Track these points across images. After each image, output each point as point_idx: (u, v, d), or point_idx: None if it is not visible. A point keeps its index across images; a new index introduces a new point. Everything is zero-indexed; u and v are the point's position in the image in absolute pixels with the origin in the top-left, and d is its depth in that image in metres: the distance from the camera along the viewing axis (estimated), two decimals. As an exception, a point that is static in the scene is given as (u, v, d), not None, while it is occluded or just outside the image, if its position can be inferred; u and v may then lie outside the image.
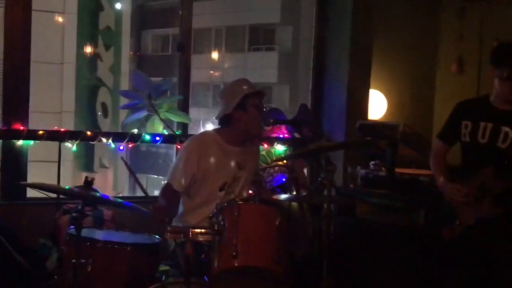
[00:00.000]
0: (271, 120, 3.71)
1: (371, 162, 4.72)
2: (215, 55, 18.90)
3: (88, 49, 12.06)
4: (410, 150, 4.86)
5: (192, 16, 4.88)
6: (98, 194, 3.04)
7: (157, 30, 19.62)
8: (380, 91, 5.41)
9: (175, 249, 3.40)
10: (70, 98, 11.90)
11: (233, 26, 19.50)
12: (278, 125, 4.73)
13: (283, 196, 3.48)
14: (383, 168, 4.64)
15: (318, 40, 5.36)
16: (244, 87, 3.47)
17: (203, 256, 3.04)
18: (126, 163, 3.45)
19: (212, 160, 3.45)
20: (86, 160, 12.46)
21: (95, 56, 12.21)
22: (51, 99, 11.35)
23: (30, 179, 4.19)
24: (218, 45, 19.43)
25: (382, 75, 5.38)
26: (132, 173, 3.37)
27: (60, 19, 11.61)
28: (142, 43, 19.76)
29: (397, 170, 4.66)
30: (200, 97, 18.37)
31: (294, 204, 3.46)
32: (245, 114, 3.43)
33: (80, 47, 11.94)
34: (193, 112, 4.84)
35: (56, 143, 4.16)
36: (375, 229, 4.40)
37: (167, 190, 3.48)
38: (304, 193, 3.46)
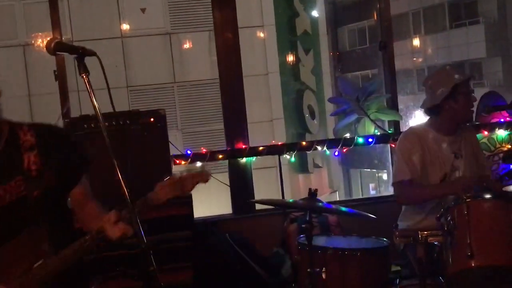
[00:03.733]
0: (488, 108, 3.50)
1: None
2: (415, 39, 18.36)
3: (289, 56, 12.51)
4: None
5: (389, 8, 4.74)
6: (322, 204, 3.12)
7: (352, 24, 19.67)
8: None
9: (404, 250, 3.37)
10: (278, 106, 12.43)
11: (431, 6, 18.77)
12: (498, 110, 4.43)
13: (515, 185, 3.26)
14: None
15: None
16: (454, 76, 3.32)
17: (435, 255, 2.97)
18: None
19: (427, 153, 3.37)
20: (301, 162, 12.91)
21: (296, 62, 12.62)
22: (262, 109, 11.95)
23: (255, 185, 4.44)
24: (417, 28, 18.87)
25: None
26: None
27: (260, 33, 12.17)
28: (339, 40, 19.93)
29: None
30: (405, 84, 17.96)
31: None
32: (456, 103, 3.30)
33: (281, 55, 12.44)
34: (399, 100, 4.73)
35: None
36: None
37: (403, 185, 3.40)
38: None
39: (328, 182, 14.23)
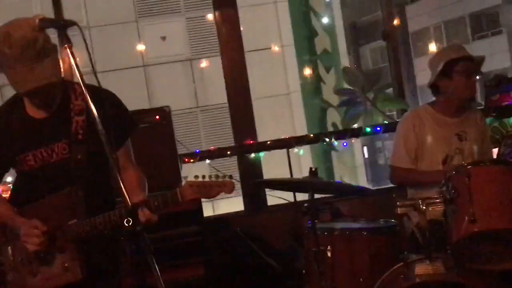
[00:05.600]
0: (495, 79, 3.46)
1: None
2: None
3: (310, 75, 12.51)
4: None
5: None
6: (323, 180, 3.11)
7: (374, 43, 19.68)
8: None
9: (413, 231, 3.31)
10: (301, 124, 12.42)
11: (451, 19, 18.69)
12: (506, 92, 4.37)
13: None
14: None
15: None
16: (447, 53, 3.30)
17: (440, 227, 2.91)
18: None
19: (428, 134, 3.33)
20: (326, 167, 12.80)
21: (318, 80, 12.62)
22: (284, 128, 11.96)
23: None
24: (438, 42, 18.78)
25: None
26: None
27: (279, 51, 12.23)
28: (362, 59, 19.93)
29: None
30: (429, 100, 17.80)
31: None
32: (450, 81, 3.25)
33: (301, 74, 12.46)
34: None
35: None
36: None
37: (397, 174, 3.39)
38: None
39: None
